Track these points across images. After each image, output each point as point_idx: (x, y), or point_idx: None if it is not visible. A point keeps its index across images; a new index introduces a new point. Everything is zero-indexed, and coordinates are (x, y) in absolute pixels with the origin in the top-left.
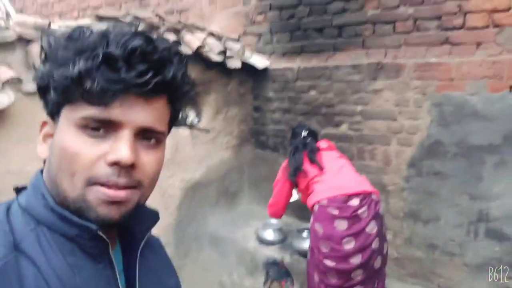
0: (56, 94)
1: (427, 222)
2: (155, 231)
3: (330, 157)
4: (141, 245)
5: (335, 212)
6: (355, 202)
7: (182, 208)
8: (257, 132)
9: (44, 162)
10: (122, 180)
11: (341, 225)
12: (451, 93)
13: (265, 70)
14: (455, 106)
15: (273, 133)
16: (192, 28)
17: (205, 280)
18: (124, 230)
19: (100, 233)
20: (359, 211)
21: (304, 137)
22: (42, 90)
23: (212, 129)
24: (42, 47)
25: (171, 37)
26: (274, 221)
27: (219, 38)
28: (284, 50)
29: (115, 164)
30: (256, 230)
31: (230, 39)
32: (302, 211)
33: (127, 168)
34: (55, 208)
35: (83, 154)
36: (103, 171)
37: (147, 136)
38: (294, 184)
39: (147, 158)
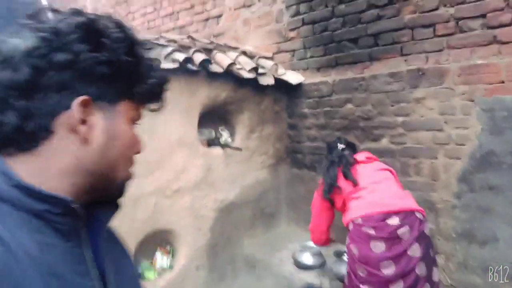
0: (130, 89)
1: (484, 243)
2: (191, 251)
3: (369, 171)
4: (106, 229)
5: (371, 232)
6: (394, 221)
7: (215, 229)
8: (293, 151)
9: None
10: None
11: (378, 247)
12: (502, 96)
13: (299, 86)
14: (508, 111)
15: (309, 151)
16: (225, 48)
17: None
18: (90, 214)
19: (74, 206)
20: (399, 231)
21: (340, 150)
22: (114, 77)
23: (246, 148)
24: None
25: (202, 56)
26: (312, 243)
27: (251, 56)
28: (318, 64)
29: (138, 153)
30: (294, 254)
31: (263, 57)
32: (343, 232)
33: None
34: (21, 183)
35: (136, 143)
36: (134, 157)
37: None
38: (331, 203)
39: None
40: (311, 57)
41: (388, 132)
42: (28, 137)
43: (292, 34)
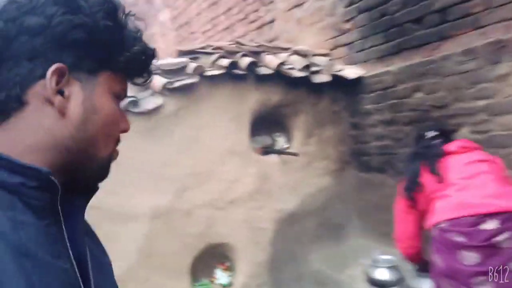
0: (111, 58)
1: None
2: (251, 268)
3: (461, 163)
4: (84, 212)
5: (460, 239)
6: (490, 225)
7: (276, 243)
8: (358, 153)
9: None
10: None
11: (470, 258)
12: None
13: (359, 80)
14: None
15: (377, 152)
16: (274, 49)
17: None
18: (65, 196)
19: (52, 178)
20: (498, 239)
21: (430, 139)
22: (91, 43)
23: (305, 153)
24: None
25: (249, 59)
26: (387, 256)
27: (304, 55)
28: (379, 53)
29: (124, 131)
30: (366, 269)
31: (317, 54)
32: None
33: None
34: None
35: (118, 119)
36: (118, 135)
37: None
38: (414, 203)
39: None
40: (371, 47)
41: (468, 120)
42: None
43: (347, 25)
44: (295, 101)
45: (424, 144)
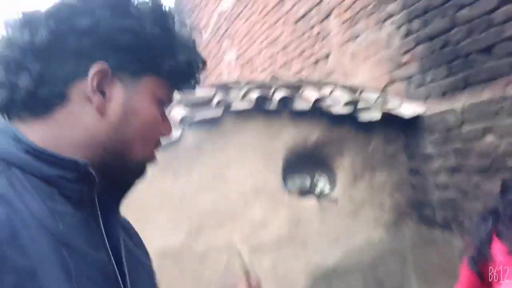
0: (156, 63)
1: None
2: None
3: None
4: (118, 208)
5: None
6: None
7: None
8: (418, 204)
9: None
10: None
11: None
12: None
13: (418, 119)
14: None
15: (440, 203)
16: (317, 84)
17: None
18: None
19: (90, 169)
20: None
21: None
22: (137, 48)
23: (351, 199)
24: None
25: (282, 93)
26: None
27: (352, 90)
28: (442, 88)
29: (164, 135)
30: None
31: (368, 90)
32: None
33: None
34: (33, 147)
35: (160, 126)
36: (158, 139)
37: None
38: (481, 279)
39: None
40: (432, 81)
41: None
42: (41, 102)
43: (406, 58)
44: (340, 140)
45: (502, 201)
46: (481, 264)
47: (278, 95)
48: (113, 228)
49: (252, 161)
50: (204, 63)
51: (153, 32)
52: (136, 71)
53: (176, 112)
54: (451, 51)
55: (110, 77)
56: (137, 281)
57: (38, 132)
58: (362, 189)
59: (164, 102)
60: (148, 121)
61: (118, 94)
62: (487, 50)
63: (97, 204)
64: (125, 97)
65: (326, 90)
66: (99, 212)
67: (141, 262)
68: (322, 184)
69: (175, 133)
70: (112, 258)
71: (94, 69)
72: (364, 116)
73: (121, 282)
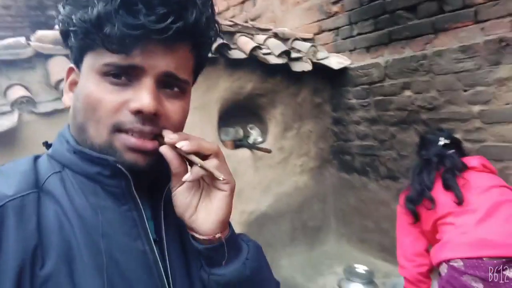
0: (77, 40)
1: None
2: None
3: (482, 185)
4: (164, 193)
5: (478, 285)
6: None
7: None
8: (340, 151)
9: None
10: (147, 128)
11: None
12: None
13: (344, 71)
14: None
15: (359, 151)
16: (252, 30)
17: None
18: (151, 180)
19: (119, 165)
20: None
21: (441, 147)
22: (64, 35)
23: (282, 149)
24: None
25: (219, 41)
26: (362, 269)
27: (285, 38)
28: (367, 42)
29: (138, 112)
30: (339, 282)
31: (299, 38)
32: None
33: (151, 116)
34: (76, 148)
35: (106, 101)
36: (127, 118)
37: (169, 84)
38: (416, 219)
39: (171, 107)
40: (359, 34)
41: (460, 126)
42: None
43: (335, 8)
44: (274, 91)
45: (437, 151)
46: (418, 207)
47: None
48: (158, 220)
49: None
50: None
51: (64, 13)
52: (77, 57)
53: None
54: (379, 6)
55: (74, 74)
56: (186, 269)
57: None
58: (291, 139)
59: (110, 72)
60: (88, 100)
61: (76, 87)
62: (412, 8)
63: (137, 197)
64: (77, 87)
65: (260, 38)
66: (141, 206)
67: (191, 245)
68: (255, 135)
69: None
70: (154, 248)
71: (65, 72)
72: (297, 67)
73: (163, 270)
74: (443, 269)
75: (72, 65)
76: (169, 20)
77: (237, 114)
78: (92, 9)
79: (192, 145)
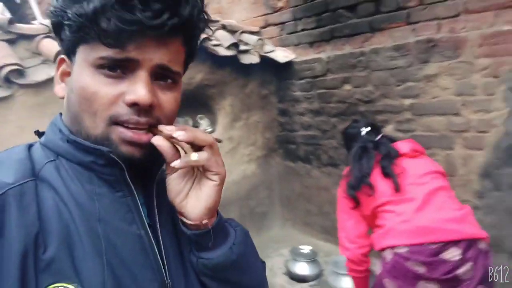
0: (71, 33)
1: None
2: None
3: (419, 172)
4: (156, 178)
5: (420, 269)
6: (453, 254)
7: None
8: (285, 140)
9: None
10: (143, 119)
11: None
12: None
13: (289, 65)
14: None
15: (303, 141)
16: None
17: None
18: (142, 166)
19: (113, 156)
20: (460, 271)
21: (366, 136)
22: (56, 27)
23: (230, 139)
24: None
25: None
26: (307, 249)
27: (232, 31)
28: (311, 38)
29: (134, 104)
30: (286, 262)
31: (246, 31)
32: None
33: (147, 107)
34: (70, 137)
35: (102, 93)
36: (123, 110)
37: (163, 76)
38: (356, 204)
39: (165, 98)
40: (303, 30)
41: (393, 118)
42: None
43: (280, 3)
44: (222, 82)
45: (368, 139)
46: (358, 192)
47: None
48: (151, 204)
49: None
50: (103, 7)
51: (57, 5)
52: (69, 49)
53: (49, 44)
54: (322, 3)
55: (65, 65)
56: (179, 250)
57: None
58: (239, 129)
59: (102, 65)
60: (82, 92)
61: (68, 78)
62: (352, 8)
63: (131, 185)
64: (69, 78)
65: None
66: (135, 192)
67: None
68: (205, 125)
69: (50, 70)
70: (149, 231)
71: (56, 63)
72: (245, 59)
73: (157, 252)
74: (387, 254)
75: (63, 56)
76: (165, 16)
77: (187, 104)
78: (88, 4)
79: (188, 135)
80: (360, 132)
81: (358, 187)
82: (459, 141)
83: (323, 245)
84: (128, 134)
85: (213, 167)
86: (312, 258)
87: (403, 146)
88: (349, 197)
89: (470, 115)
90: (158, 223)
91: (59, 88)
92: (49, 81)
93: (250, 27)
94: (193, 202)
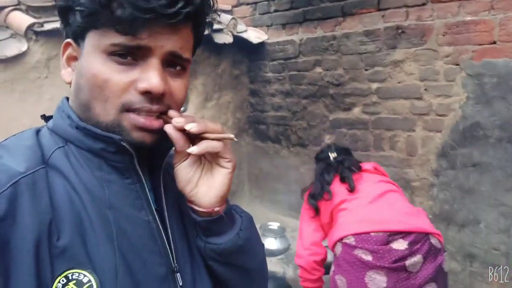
0: (82, 18)
1: (463, 226)
2: None
3: (372, 180)
4: (163, 164)
5: (368, 257)
6: (400, 244)
7: None
8: (255, 121)
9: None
10: (155, 107)
11: (377, 281)
12: (493, 60)
13: (262, 45)
14: (499, 77)
15: (273, 121)
16: None
17: None
18: (150, 153)
19: (124, 143)
20: (409, 262)
21: (333, 160)
22: (64, 11)
23: (201, 118)
24: None
25: None
26: (275, 225)
27: None
28: (283, 20)
29: (146, 92)
30: None
31: (219, 10)
32: None
33: (159, 95)
34: (80, 124)
35: (114, 81)
36: (136, 98)
37: (173, 63)
38: (316, 212)
39: (175, 85)
40: (276, 11)
41: (361, 101)
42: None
43: None
44: (194, 61)
45: (333, 160)
46: (319, 201)
47: None
48: (158, 190)
49: None
50: None
51: None
52: (77, 34)
53: (21, 19)
54: None
55: (71, 49)
56: (185, 235)
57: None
58: (210, 109)
59: (116, 51)
60: (94, 79)
61: (75, 62)
62: None
63: (139, 171)
64: (77, 63)
65: None
66: (143, 178)
67: (187, 211)
68: None
69: (21, 45)
70: (156, 217)
71: (61, 47)
72: (219, 38)
73: (165, 237)
74: (338, 248)
75: (69, 40)
76: (179, 5)
77: None
78: None
79: (200, 127)
80: (328, 156)
81: (320, 195)
82: (420, 123)
83: (290, 221)
84: (140, 120)
85: (227, 154)
86: (280, 234)
87: (366, 164)
88: (310, 206)
89: (431, 99)
90: (165, 209)
91: (66, 73)
92: (20, 56)
93: (221, 5)
94: (205, 190)
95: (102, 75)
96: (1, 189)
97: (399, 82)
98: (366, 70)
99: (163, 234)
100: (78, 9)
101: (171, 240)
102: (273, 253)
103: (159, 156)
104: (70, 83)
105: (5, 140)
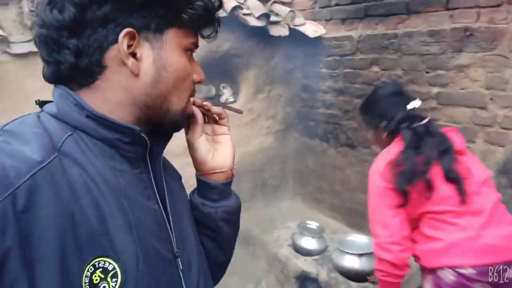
0: (174, 15)
1: None
2: None
3: (477, 179)
4: (163, 153)
5: None
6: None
7: None
8: (305, 117)
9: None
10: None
11: None
12: None
13: (318, 40)
14: None
15: (323, 119)
16: None
17: (229, 286)
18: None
19: (143, 135)
20: None
21: (412, 111)
22: (154, 4)
23: (251, 110)
24: None
25: None
26: (314, 225)
27: (264, 0)
28: (343, 14)
29: (199, 82)
30: (292, 235)
31: (278, 1)
32: (353, 216)
33: None
34: (95, 113)
35: (191, 74)
36: (192, 87)
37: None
38: (405, 201)
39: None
40: (337, 5)
41: None
42: (84, 73)
43: None
44: (249, 52)
45: (412, 118)
46: (411, 187)
47: None
48: (159, 178)
49: None
50: (220, 3)
51: None
52: (159, 28)
53: None
54: None
55: (137, 39)
56: (180, 221)
57: (89, 100)
58: (260, 101)
59: (191, 50)
60: (179, 73)
61: (147, 53)
62: None
63: (148, 162)
64: (154, 55)
65: None
66: (150, 169)
67: (180, 197)
68: (227, 94)
69: None
70: (161, 206)
71: (122, 34)
72: (274, 31)
73: (168, 225)
74: (447, 274)
75: (130, 29)
76: (218, 5)
77: (211, 72)
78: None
79: (217, 108)
80: (405, 101)
81: (413, 181)
82: (481, 135)
83: (331, 222)
84: (191, 106)
85: (226, 120)
86: (318, 234)
87: (455, 138)
88: (397, 190)
89: (496, 110)
90: (167, 197)
91: (135, 65)
92: None
93: None
94: (223, 154)
95: (187, 70)
96: (21, 179)
97: (462, 89)
98: (427, 72)
99: (167, 222)
100: (189, 8)
101: (172, 227)
102: (310, 253)
103: (159, 146)
104: (137, 76)
105: (6, 125)
